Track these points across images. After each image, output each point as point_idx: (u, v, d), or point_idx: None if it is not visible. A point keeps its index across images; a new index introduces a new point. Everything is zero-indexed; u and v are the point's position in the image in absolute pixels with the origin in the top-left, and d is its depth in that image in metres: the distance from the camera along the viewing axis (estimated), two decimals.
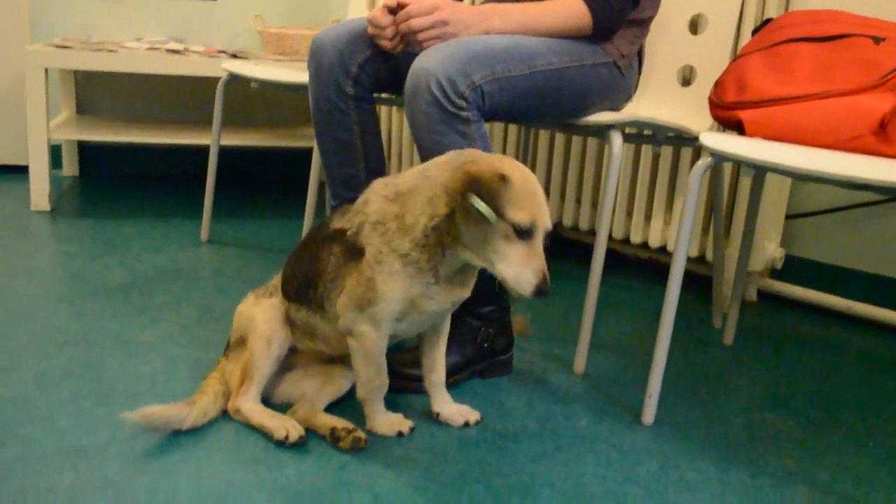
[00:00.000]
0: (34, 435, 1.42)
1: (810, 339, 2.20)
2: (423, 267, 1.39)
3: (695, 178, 1.53)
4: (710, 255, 2.38)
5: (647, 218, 2.52)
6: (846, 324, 2.32)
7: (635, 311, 2.31)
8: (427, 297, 1.42)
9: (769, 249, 2.33)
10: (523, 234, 1.29)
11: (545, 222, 1.32)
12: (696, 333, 2.16)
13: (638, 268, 2.75)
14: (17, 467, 1.32)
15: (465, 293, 1.47)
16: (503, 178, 1.28)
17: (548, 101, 1.72)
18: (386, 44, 1.71)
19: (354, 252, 1.43)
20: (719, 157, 1.51)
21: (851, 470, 1.51)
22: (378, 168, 1.80)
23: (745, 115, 1.59)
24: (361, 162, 1.78)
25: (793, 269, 2.43)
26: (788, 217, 2.42)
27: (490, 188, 1.27)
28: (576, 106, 1.77)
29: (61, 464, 1.34)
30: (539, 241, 1.31)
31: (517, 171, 1.32)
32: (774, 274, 2.46)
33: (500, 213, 1.27)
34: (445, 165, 1.37)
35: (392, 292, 1.40)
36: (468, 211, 1.30)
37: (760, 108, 1.59)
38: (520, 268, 1.29)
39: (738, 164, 1.57)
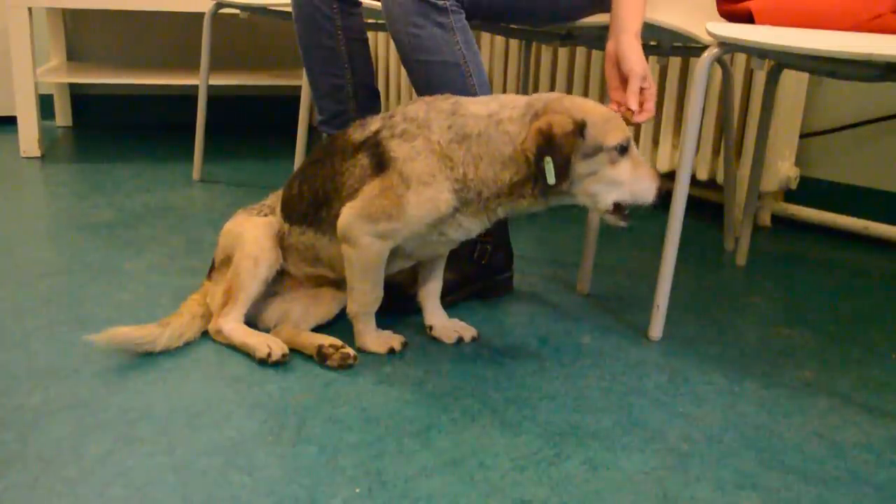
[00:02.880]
0: (5, 359, 1.34)
1: (827, 260, 2.09)
2: (468, 200, 1.31)
3: (702, 71, 1.42)
4: (721, 179, 2.27)
5: (655, 142, 2.41)
6: (864, 245, 2.21)
7: (644, 237, 2.21)
8: (455, 224, 1.34)
9: (783, 169, 2.21)
10: (624, 149, 1.27)
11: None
12: (707, 256, 2.06)
13: None
14: None
15: (487, 224, 1.37)
16: (580, 123, 1.24)
17: None
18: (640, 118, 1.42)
19: (383, 163, 1.31)
20: (728, 47, 1.40)
21: (873, 380, 1.41)
22: (366, 78, 1.70)
23: (754, 5, 1.48)
24: (348, 71, 1.67)
25: (808, 190, 2.32)
26: (803, 136, 2.30)
27: (567, 142, 1.22)
28: (569, 4, 1.64)
29: (31, 385, 1.26)
30: (635, 149, 1.30)
31: (588, 105, 1.28)
32: (789, 196, 2.35)
33: (598, 149, 1.25)
34: (520, 119, 1.27)
35: (420, 217, 1.30)
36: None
37: None
38: (636, 183, 1.28)
39: (748, 52, 1.46)
